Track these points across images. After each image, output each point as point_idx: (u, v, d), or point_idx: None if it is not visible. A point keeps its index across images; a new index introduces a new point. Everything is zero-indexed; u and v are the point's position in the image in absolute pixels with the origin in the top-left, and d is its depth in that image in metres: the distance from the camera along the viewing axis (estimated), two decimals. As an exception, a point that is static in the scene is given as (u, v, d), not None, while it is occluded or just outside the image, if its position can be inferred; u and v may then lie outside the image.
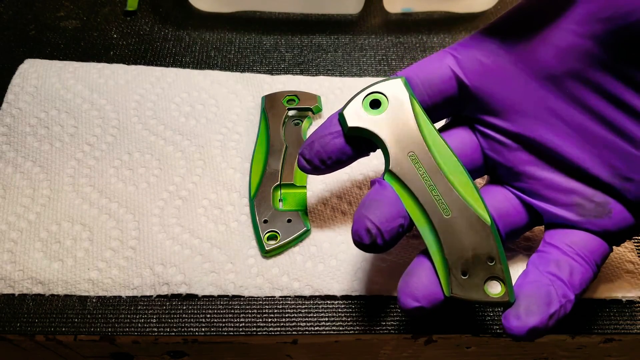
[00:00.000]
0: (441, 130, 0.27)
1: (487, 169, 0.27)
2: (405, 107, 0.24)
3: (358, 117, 0.25)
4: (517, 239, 0.27)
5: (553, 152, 0.24)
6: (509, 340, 0.30)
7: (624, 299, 0.30)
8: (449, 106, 0.25)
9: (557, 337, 0.29)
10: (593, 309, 0.30)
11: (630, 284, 0.30)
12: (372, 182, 0.25)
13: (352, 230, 0.24)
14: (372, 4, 0.44)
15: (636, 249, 0.31)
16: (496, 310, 0.29)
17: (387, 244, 0.24)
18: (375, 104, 0.25)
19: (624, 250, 0.31)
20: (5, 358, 0.32)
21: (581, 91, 0.23)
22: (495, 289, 0.23)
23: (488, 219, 0.23)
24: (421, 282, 0.23)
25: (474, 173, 0.26)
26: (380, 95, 0.25)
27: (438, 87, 0.25)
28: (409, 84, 0.25)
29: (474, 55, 0.24)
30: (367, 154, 0.26)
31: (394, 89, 0.25)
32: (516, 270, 0.29)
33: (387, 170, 0.24)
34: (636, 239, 0.32)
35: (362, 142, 0.25)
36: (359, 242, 0.24)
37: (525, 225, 0.26)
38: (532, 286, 0.23)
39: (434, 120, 0.26)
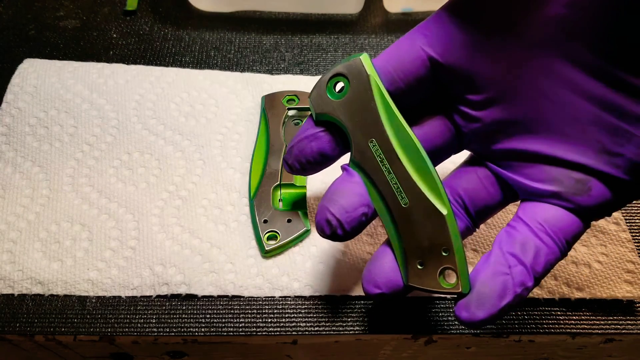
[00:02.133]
0: (410, 110, 0.26)
1: (463, 144, 0.26)
2: (365, 90, 0.23)
3: (322, 102, 0.24)
4: (488, 218, 0.26)
5: (533, 129, 0.23)
6: (508, 341, 0.30)
7: (624, 299, 0.30)
8: (426, 88, 0.24)
9: (557, 337, 0.29)
10: (593, 309, 0.30)
11: (631, 284, 0.30)
12: (342, 168, 0.25)
13: (315, 221, 0.24)
14: (372, 4, 0.44)
15: (636, 249, 0.31)
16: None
17: (348, 234, 0.24)
18: (340, 87, 0.24)
19: (624, 250, 0.31)
20: (4, 358, 0.32)
21: (564, 65, 0.22)
22: (451, 279, 0.23)
23: (444, 210, 0.23)
24: (382, 270, 0.24)
25: (446, 150, 0.26)
26: (343, 77, 0.24)
27: (411, 71, 0.24)
28: (381, 73, 0.24)
29: (446, 31, 0.23)
30: (348, 151, 0.25)
31: (355, 70, 0.24)
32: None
33: (351, 158, 0.24)
34: (636, 239, 0.32)
35: (339, 138, 0.25)
36: (321, 233, 0.24)
37: (497, 204, 0.25)
38: (488, 273, 0.23)
39: (412, 104, 0.25)
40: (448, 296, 0.24)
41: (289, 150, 0.26)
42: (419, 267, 0.23)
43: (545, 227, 0.23)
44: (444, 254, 0.23)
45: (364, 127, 0.24)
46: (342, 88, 0.24)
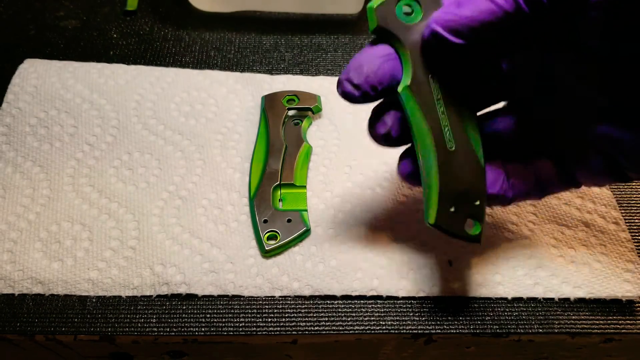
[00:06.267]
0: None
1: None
2: None
3: (389, 18, 0.22)
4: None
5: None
6: (508, 340, 0.30)
7: (623, 299, 0.30)
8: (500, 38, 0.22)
9: (557, 337, 0.29)
10: (593, 308, 0.30)
11: (630, 283, 0.30)
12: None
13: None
14: (372, 4, 0.44)
15: (636, 249, 0.31)
16: (496, 310, 0.29)
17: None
18: (407, 13, 0.23)
19: (624, 250, 0.31)
20: (5, 358, 0.32)
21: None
22: (470, 228, 0.24)
23: (483, 162, 0.24)
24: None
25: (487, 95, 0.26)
26: (415, 4, 0.23)
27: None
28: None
29: None
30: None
31: (431, 2, 0.23)
32: (506, 260, 0.30)
33: (405, 85, 0.23)
34: (636, 238, 0.32)
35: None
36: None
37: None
38: None
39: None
40: (462, 241, 0.24)
41: (355, 68, 0.21)
42: (452, 210, 0.24)
43: None
44: (475, 203, 0.24)
45: (427, 61, 0.23)
46: (409, 14, 0.23)
